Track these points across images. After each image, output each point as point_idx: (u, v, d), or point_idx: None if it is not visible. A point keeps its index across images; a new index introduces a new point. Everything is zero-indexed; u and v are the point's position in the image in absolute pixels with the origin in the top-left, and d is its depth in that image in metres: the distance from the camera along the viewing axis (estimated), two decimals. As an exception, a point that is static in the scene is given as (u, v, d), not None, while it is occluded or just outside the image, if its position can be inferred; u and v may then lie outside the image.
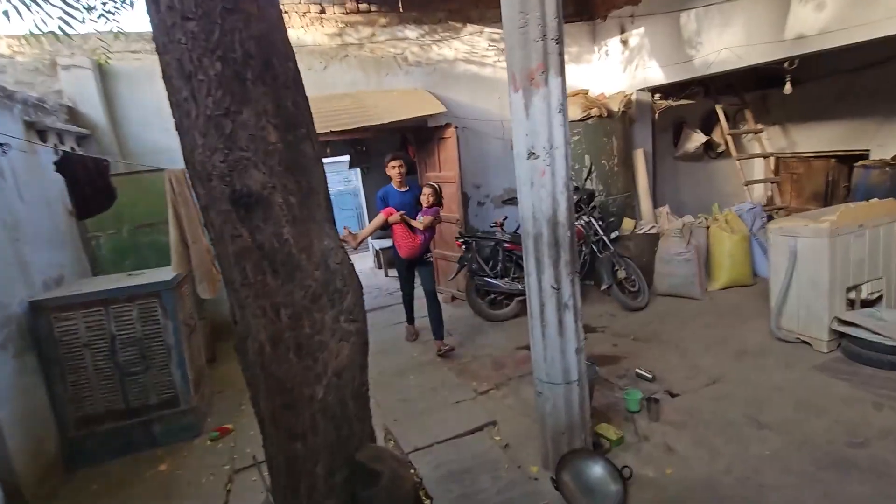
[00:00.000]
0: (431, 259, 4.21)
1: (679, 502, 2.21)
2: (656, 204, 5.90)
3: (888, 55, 5.19)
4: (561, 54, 2.06)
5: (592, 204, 4.95)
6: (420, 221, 3.93)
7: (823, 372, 3.18)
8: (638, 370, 3.38)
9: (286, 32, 1.80)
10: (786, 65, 4.22)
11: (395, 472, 2.04)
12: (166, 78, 1.54)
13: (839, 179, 6.81)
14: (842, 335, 3.34)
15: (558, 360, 2.30)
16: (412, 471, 2.57)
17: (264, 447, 2.01)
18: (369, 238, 8.14)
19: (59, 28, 2.84)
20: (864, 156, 6.06)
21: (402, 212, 3.90)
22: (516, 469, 2.54)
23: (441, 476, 2.53)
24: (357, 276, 2.03)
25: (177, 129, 1.59)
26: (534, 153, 2.12)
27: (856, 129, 6.15)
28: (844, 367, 3.20)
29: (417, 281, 4.26)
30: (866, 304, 3.53)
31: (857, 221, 3.39)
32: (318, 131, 4.26)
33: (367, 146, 7.20)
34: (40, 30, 2.96)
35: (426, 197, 3.95)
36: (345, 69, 5.15)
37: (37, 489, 2.58)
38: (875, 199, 3.60)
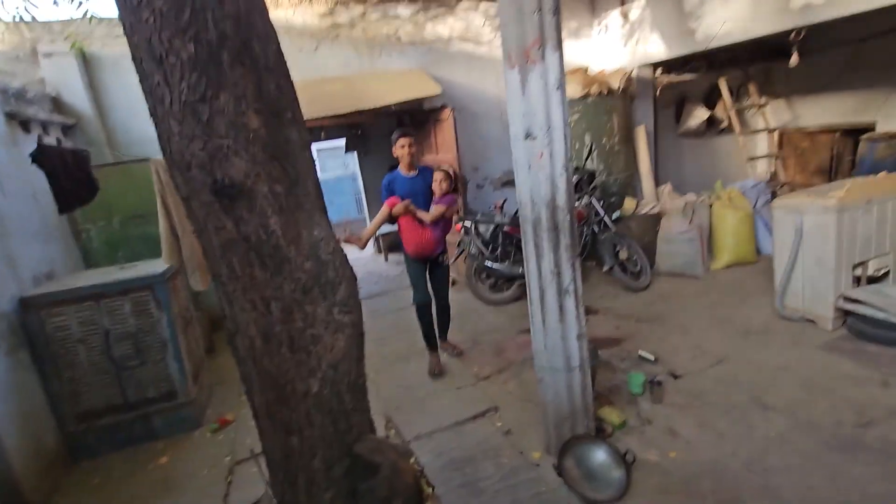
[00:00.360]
0: (446, 260, 3.51)
1: (684, 487, 2.19)
2: (658, 182, 5.80)
3: (894, 25, 5.01)
4: (558, 27, 1.95)
5: (593, 184, 4.85)
6: (430, 213, 3.30)
7: (829, 351, 3.13)
8: (641, 352, 3.33)
9: (267, 12, 1.69)
10: (792, 36, 4.07)
11: (394, 463, 2.01)
12: (136, 61, 1.45)
13: (844, 153, 6.67)
14: (847, 313, 3.28)
15: (559, 347, 2.25)
16: (412, 460, 2.54)
17: (261, 441, 1.98)
18: (368, 222, 8.07)
19: (20, 16, 2.71)
20: (870, 128, 5.92)
21: (407, 200, 3.29)
22: (518, 455, 2.51)
23: (443, 464, 2.51)
24: (350, 267, 1.96)
25: (151, 116, 1.51)
26: (531, 134, 2.03)
27: (862, 102, 5.99)
28: (850, 345, 3.16)
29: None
30: (872, 280, 3.47)
31: (866, 197, 3.30)
32: (310, 116, 4.16)
33: (362, 130, 7.06)
34: (21, 18, 2.84)
35: (438, 183, 3.30)
36: (336, 50, 5.00)
37: (38, 484, 2.57)
38: (883, 173, 3.50)
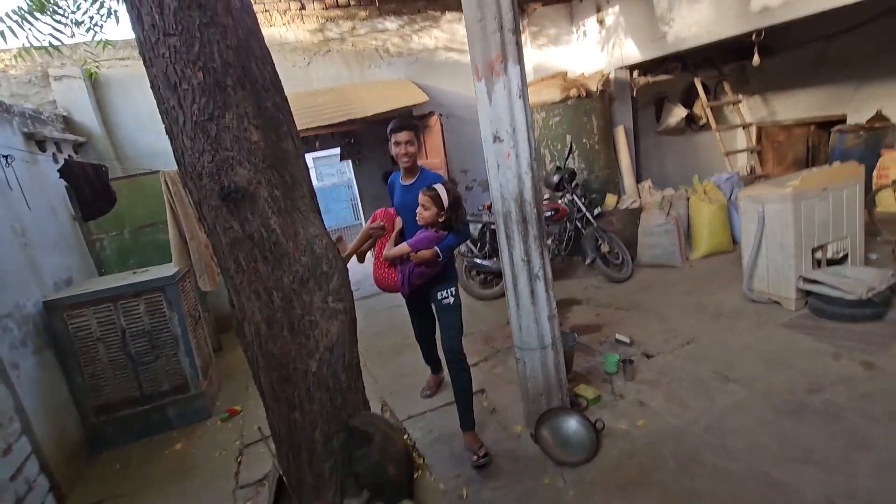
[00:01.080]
0: (449, 298, 2.62)
1: (649, 448, 2.43)
2: (640, 179, 6.06)
3: (858, 21, 5.29)
4: (518, 44, 2.22)
5: (575, 182, 5.11)
6: (392, 249, 2.50)
7: (791, 328, 3.38)
8: (617, 335, 3.59)
9: (262, 38, 1.97)
10: (753, 37, 4.34)
11: (386, 434, 2.26)
12: (154, 89, 1.72)
13: (819, 145, 6.94)
14: (808, 293, 3.54)
15: (533, 327, 2.50)
16: (406, 436, 2.79)
17: (267, 418, 2.23)
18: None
19: (50, 43, 3.00)
20: (841, 121, 6.19)
21: (378, 223, 2.62)
22: (502, 429, 2.76)
23: (433, 439, 2.76)
24: (342, 260, 2.23)
25: (167, 135, 1.77)
26: (498, 137, 2.29)
27: (833, 95, 6.27)
28: (810, 322, 3.41)
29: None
30: (832, 262, 3.72)
31: (821, 185, 3.56)
32: (303, 126, 4.53)
33: (355, 138, 7.34)
34: (33, 46, 3.13)
35: (420, 208, 2.42)
36: (328, 64, 5.29)
37: (64, 471, 2.82)
38: (837, 163, 3.76)
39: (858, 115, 5.95)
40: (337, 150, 7.87)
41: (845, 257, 3.76)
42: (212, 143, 1.72)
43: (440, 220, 2.43)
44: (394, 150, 2.57)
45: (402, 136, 2.52)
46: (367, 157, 7.67)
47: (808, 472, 2.10)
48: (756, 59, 4.54)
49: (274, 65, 2.03)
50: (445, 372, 3.11)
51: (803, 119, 6.72)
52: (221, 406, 3.55)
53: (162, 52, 1.61)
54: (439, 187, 2.42)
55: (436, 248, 2.44)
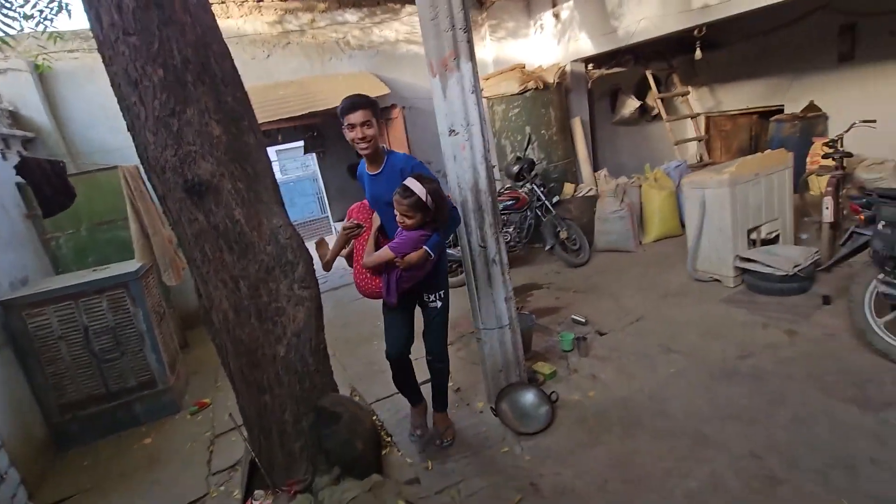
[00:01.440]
0: (438, 303, 2.39)
1: (598, 416, 2.65)
2: (596, 167, 6.33)
3: (792, 18, 5.68)
4: (470, 42, 2.35)
5: (534, 172, 5.31)
6: (372, 256, 2.19)
7: (728, 303, 3.69)
8: (573, 316, 3.81)
9: (220, 34, 2.03)
10: (695, 32, 4.62)
11: (354, 413, 2.39)
12: (115, 86, 1.76)
13: (761, 134, 7.40)
14: (744, 271, 3.85)
15: (491, 309, 2.67)
16: (374, 417, 2.92)
17: (238, 402, 2.32)
18: (331, 220, 8.33)
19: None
20: (780, 111, 6.63)
21: (353, 221, 2.32)
22: (465, 406, 2.94)
23: (400, 418, 2.90)
24: (307, 249, 2.32)
25: (129, 131, 1.82)
26: (454, 130, 2.43)
27: (772, 87, 6.68)
28: (745, 297, 3.72)
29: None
30: (766, 242, 4.05)
31: (754, 171, 3.87)
32: (265, 119, 4.59)
33: (318, 131, 7.32)
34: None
35: (402, 218, 2.10)
36: (288, 56, 5.27)
37: (30, 469, 2.80)
38: (768, 151, 4.09)
39: (794, 105, 6.38)
40: (300, 143, 7.83)
41: (777, 237, 4.11)
42: (174, 137, 1.78)
43: (427, 220, 2.11)
44: (349, 136, 2.14)
45: (356, 116, 2.11)
46: (331, 149, 7.67)
47: (734, 428, 2.36)
48: (698, 53, 4.83)
49: (233, 60, 2.09)
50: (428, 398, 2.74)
51: (747, 109, 7.13)
52: (190, 400, 3.58)
53: (122, 50, 1.66)
54: (415, 185, 2.02)
55: (424, 247, 2.10)
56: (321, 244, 2.51)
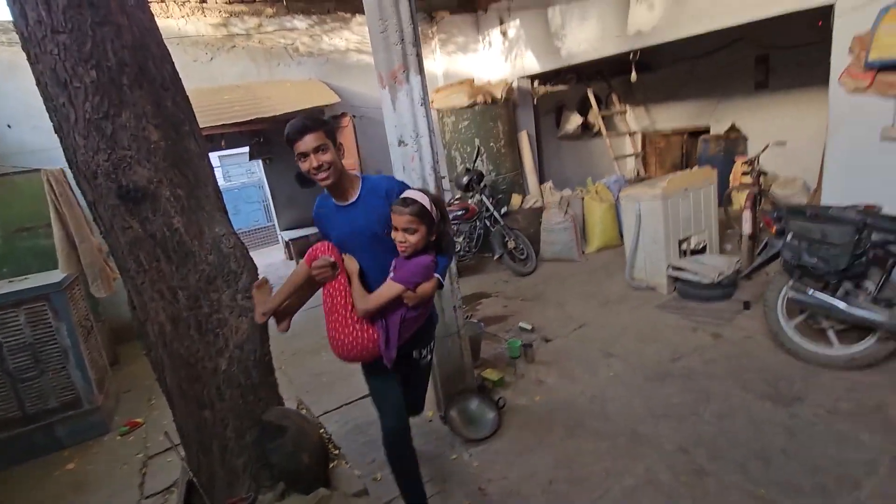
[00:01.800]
0: (429, 355, 2.13)
1: (543, 419, 2.75)
2: (543, 180, 6.58)
3: (716, 47, 6.21)
4: (419, 55, 2.40)
5: (483, 183, 5.45)
6: (374, 295, 1.74)
7: (662, 309, 3.94)
8: (521, 324, 3.93)
9: (160, 36, 1.96)
10: (631, 56, 4.95)
11: (300, 426, 2.34)
12: (41, 85, 1.65)
13: (692, 151, 7.99)
14: (676, 279, 4.13)
15: (440, 317, 2.70)
16: (322, 430, 2.86)
17: (174, 420, 2.21)
18: (278, 229, 8.09)
19: None
20: (707, 131, 7.20)
21: (327, 258, 1.78)
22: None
23: (349, 430, 2.87)
24: (251, 258, 2.26)
25: (56, 132, 1.71)
26: (403, 142, 2.46)
27: (700, 109, 7.26)
28: (677, 304, 3.99)
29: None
30: (696, 252, 4.37)
31: (683, 186, 4.18)
32: (208, 124, 4.44)
33: (265, 137, 7.13)
34: None
35: (401, 234, 1.70)
36: (233, 60, 5.12)
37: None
38: (696, 167, 4.43)
39: (719, 126, 6.96)
40: (246, 149, 7.58)
41: (705, 248, 4.44)
42: (107, 141, 1.69)
43: (432, 239, 1.73)
44: (303, 167, 1.75)
45: (306, 142, 1.71)
46: (278, 156, 7.48)
47: (667, 425, 2.53)
48: (634, 75, 5.17)
49: (173, 63, 2.02)
50: None
51: (678, 128, 7.68)
52: (121, 420, 3.34)
53: (50, 48, 1.56)
54: (416, 194, 1.72)
55: (436, 275, 1.76)
56: (261, 288, 2.00)
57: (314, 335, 4.38)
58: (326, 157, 1.75)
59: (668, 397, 2.78)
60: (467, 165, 5.66)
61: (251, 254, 2.28)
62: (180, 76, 2.05)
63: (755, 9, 3.71)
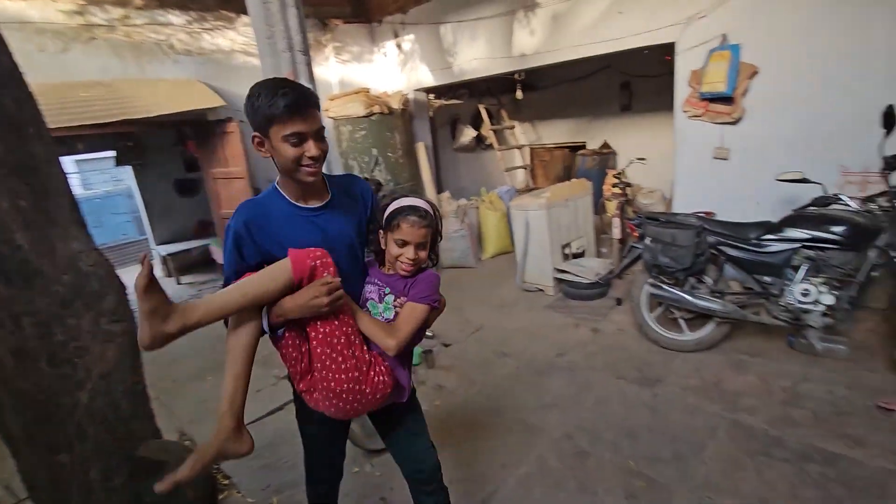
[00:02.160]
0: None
1: (444, 423, 2.82)
2: (440, 190, 6.77)
3: (588, 72, 6.94)
4: (308, 64, 2.37)
5: (382, 193, 5.45)
6: (397, 323, 1.41)
7: (549, 309, 4.28)
8: (421, 331, 3.99)
9: (-6, 25, 1.69)
10: (516, 76, 5.34)
11: (182, 459, 2.13)
12: None
13: (573, 164, 8.81)
14: (560, 281, 4.52)
15: (338, 330, 2.66)
16: (209, 459, 2.64)
17: (18, 469, 1.89)
18: (153, 243, 7.26)
19: None
20: (583, 146, 7.99)
21: (336, 280, 1.28)
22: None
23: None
24: (118, 277, 2.03)
25: None
26: (294, 150, 2.39)
27: (578, 126, 8.03)
28: (562, 303, 4.37)
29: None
30: (577, 255, 4.82)
31: (565, 196, 4.60)
32: (63, 125, 3.93)
33: (136, 141, 6.41)
34: None
35: (411, 250, 1.42)
36: (92, 53, 4.54)
37: None
38: (574, 180, 4.91)
39: (594, 142, 7.76)
40: (111, 154, 6.73)
41: (584, 252, 4.92)
42: (-79, 144, 1.42)
43: (426, 254, 1.49)
44: (288, 153, 1.28)
45: (310, 119, 1.28)
46: (151, 161, 6.77)
47: (553, 415, 2.75)
48: (519, 93, 5.58)
49: (12, 56, 1.76)
50: None
51: (560, 143, 8.42)
52: (-57, 477, 2.75)
53: None
54: (426, 205, 1.47)
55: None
56: (152, 285, 1.19)
57: (198, 358, 4.03)
58: (325, 145, 1.35)
59: (554, 389, 3.02)
60: (365, 175, 5.62)
61: (120, 272, 2.05)
62: (22, 69, 1.79)
63: (615, 42, 4.25)
